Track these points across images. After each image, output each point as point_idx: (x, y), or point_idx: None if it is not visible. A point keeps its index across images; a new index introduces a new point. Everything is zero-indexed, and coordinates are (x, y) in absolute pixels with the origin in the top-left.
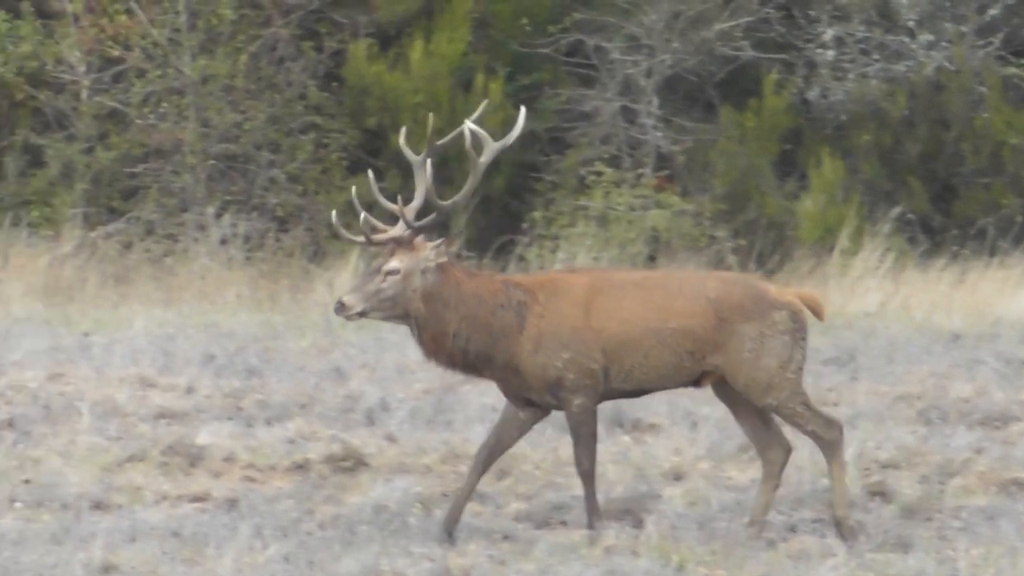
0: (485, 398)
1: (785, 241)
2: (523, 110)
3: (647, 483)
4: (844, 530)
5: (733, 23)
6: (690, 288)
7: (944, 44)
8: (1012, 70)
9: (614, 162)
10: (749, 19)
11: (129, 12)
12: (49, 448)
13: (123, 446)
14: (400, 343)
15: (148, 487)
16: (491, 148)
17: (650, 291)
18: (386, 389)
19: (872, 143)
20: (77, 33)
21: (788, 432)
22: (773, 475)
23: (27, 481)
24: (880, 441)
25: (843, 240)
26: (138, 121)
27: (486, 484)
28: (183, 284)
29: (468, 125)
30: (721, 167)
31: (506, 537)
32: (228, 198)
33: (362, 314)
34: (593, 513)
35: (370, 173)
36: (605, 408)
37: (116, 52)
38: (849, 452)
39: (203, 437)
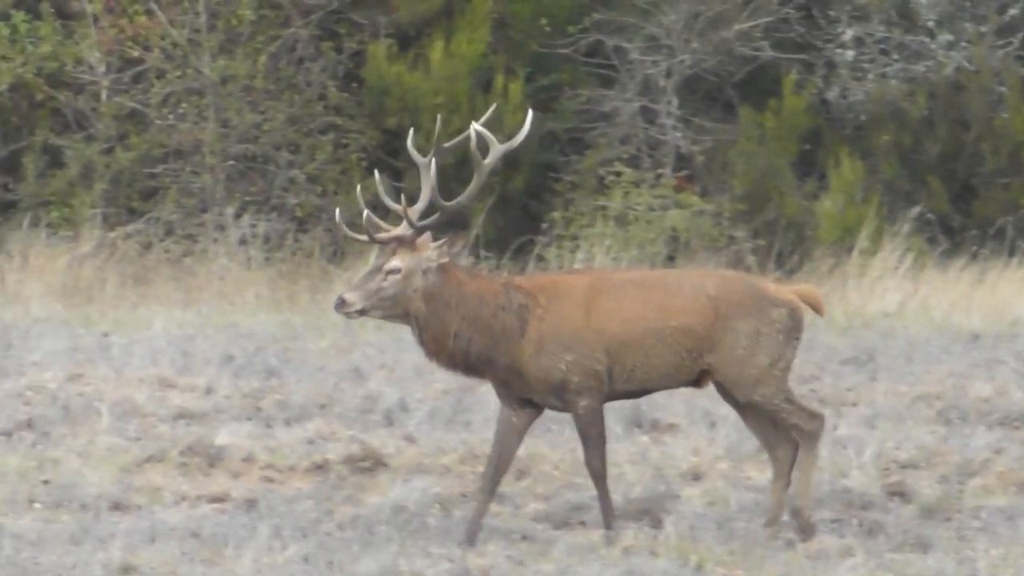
0: None
1: (804, 241)
2: (530, 113)
3: (666, 483)
4: (800, 521)
5: (753, 23)
6: (690, 286)
7: (964, 44)
8: None
9: (633, 162)
10: (769, 19)
11: (149, 13)
12: (68, 448)
13: (142, 446)
14: None
15: (167, 487)
16: (496, 150)
17: (650, 290)
18: (405, 389)
19: (892, 143)
20: (97, 34)
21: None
22: (784, 473)
23: (46, 482)
24: (899, 441)
25: (862, 240)
26: (158, 122)
27: (505, 484)
28: (202, 284)
29: (475, 127)
30: (740, 167)
31: (525, 537)
32: (247, 199)
33: (362, 312)
34: (609, 513)
35: (376, 174)
36: (623, 408)
37: (136, 53)
38: (868, 452)
39: (222, 437)
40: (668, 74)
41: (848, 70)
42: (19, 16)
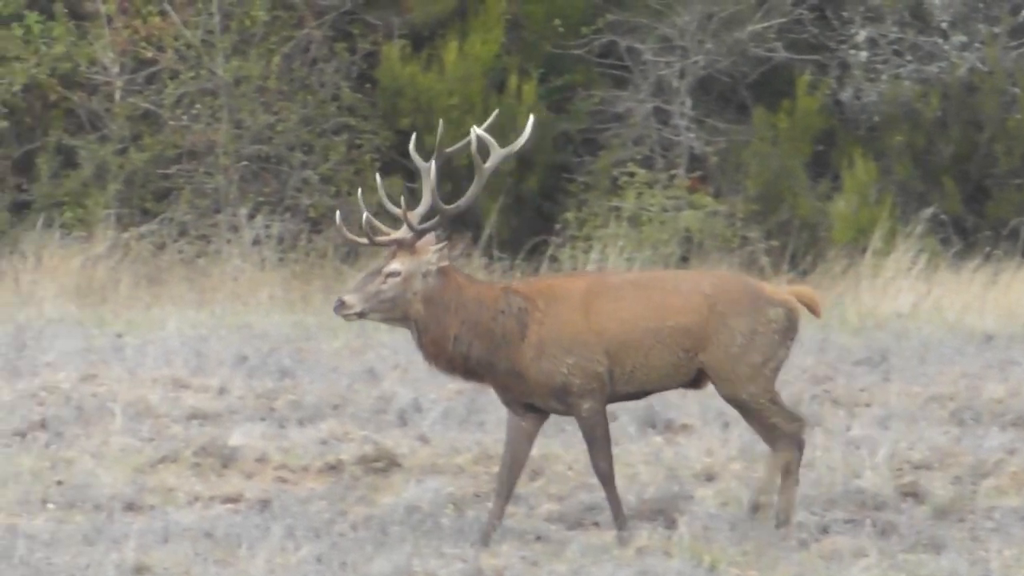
0: None
1: (818, 242)
2: (532, 118)
3: (679, 484)
4: (760, 516)
5: (766, 24)
6: (687, 286)
7: (977, 45)
8: None
9: (647, 163)
10: (782, 20)
11: (162, 13)
12: (82, 449)
13: (156, 447)
14: None
15: (181, 488)
16: (497, 154)
17: (648, 290)
18: (419, 390)
19: (905, 144)
20: (110, 34)
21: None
22: (791, 472)
23: (60, 482)
24: (913, 442)
25: (876, 241)
26: (171, 122)
27: (519, 485)
28: (216, 285)
29: (475, 130)
30: (754, 168)
31: (539, 538)
32: (261, 199)
33: (361, 314)
34: (619, 514)
35: (378, 178)
36: (637, 409)
37: (149, 53)
38: (881, 453)
39: (236, 438)
40: (682, 75)
41: (861, 71)
42: (33, 17)
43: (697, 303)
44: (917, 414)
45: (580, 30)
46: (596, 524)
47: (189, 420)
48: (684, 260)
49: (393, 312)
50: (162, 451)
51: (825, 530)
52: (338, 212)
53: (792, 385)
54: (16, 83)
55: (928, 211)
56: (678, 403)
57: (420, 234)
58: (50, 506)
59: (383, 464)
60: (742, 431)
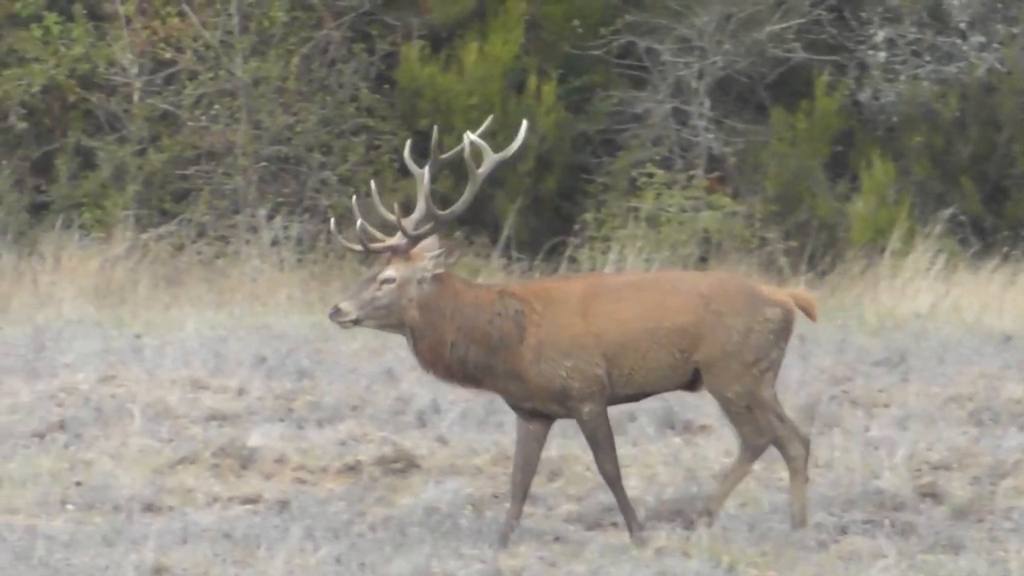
0: None
1: (836, 243)
2: (524, 123)
3: (698, 484)
4: (710, 520)
5: (784, 25)
6: (684, 286)
7: (996, 46)
8: None
9: (665, 164)
10: (800, 21)
11: (181, 14)
12: (101, 450)
13: (175, 448)
14: None
15: (199, 489)
16: (490, 160)
17: (645, 292)
18: (437, 391)
19: (923, 145)
20: (129, 35)
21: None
22: (799, 471)
23: (79, 483)
24: (931, 442)
25: (894, 241)
26: (190, 123)
27: (537, 486)
28: (235, 286)
29: (468, 136)
30: (772, 169)
31: (557, 538)
32: (280, 200)
33: (356, 321)
34: (630, 516)
35: (372, 184)
36: (656, 410)
37: (168, 54)
38: (900, 453)
39: (254, 439)
40: (700, 75)
41: (880, 71)
42: (52, 18)
43: (694, 303)
44: (936, 415)
45: (599, 31)
46: (615, 525)
47: (208, 421)
48: (703, 261)
49: (388, 319)
50: (181, 452)
51: (844, 531)
52: (332, 220)
53: (811, 385)
54: (35, 84)
55: (947, 211)
56: (697, 404)
57: (415, 240)
58: (69, 507)
59: (402, 465)
60: None
